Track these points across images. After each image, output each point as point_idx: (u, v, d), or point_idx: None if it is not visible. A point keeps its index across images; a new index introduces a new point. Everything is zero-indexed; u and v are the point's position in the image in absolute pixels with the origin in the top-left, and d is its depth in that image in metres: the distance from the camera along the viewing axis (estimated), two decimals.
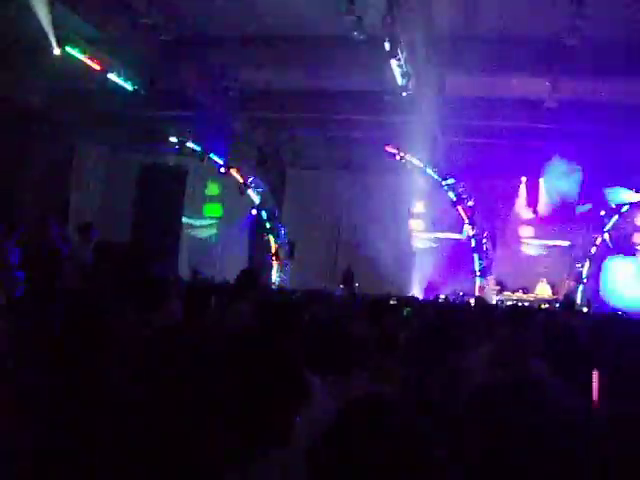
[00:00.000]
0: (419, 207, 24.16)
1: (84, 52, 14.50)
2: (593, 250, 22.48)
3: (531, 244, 23.96)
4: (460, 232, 23.00)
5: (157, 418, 1.86)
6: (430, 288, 22.03)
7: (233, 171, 22.29)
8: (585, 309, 18.66)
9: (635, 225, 22.82)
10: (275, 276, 23.48)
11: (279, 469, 2.30)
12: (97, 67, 15.11)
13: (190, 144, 20.67)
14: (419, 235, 24.24)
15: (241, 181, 22.60)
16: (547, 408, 1.95)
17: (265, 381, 1.92)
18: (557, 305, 18.20)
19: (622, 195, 21.47)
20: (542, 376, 3.80)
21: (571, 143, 18.90)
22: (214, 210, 24.52)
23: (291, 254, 23.59)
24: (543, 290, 22.10)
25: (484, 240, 22.57)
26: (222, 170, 21.90)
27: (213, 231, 24.38)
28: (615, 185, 21.32)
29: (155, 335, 2.99)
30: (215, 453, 1.83)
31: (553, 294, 21.89)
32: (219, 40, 15.71)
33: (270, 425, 1.92)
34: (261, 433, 1.88)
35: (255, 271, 7.32)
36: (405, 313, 8.07)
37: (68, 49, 14.04)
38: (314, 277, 20.97)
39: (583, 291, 21.94)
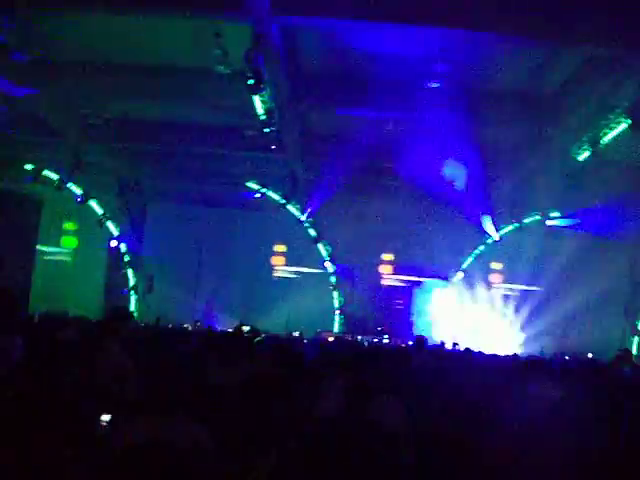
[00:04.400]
0: (280, 247, 24.16)
1: None
2: None
3: (390, 280, 24.50)
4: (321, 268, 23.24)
5: None
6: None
7: (92, 202, 21.66)
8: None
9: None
10: (134, 309, 22.88)
11: None
12: None
13: (47, 172, 19.93)
14: (280, 270, 24.22)
15: (100, 212, 21.99)
16: None
17: None
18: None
19: None
20: None
21: None
22: (70, 242, 23.61)
23: (150, 288, 23.05)
24: None
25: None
26: (79, 200, 21.19)
27: (68, 259, 23.47)
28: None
29: None
30: None
31: None
32: (77, 66, 15.16)
33: None
34: None
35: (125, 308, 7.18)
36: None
37: None
38: (174, 311, 20.53)
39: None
